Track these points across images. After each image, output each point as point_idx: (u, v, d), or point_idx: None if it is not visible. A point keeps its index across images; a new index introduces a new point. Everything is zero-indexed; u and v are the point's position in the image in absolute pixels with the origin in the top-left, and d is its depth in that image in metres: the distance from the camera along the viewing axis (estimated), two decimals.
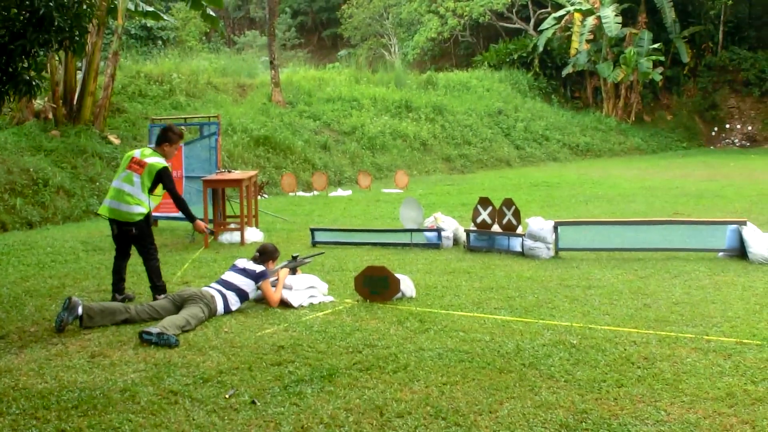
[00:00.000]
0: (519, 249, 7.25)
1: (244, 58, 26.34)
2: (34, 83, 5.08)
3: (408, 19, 32.42)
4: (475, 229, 7.59)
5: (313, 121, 18.51)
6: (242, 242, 8.33)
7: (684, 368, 3.80)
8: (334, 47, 39.80)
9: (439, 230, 7.82)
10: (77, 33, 5.16)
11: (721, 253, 6.99)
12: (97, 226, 9.91)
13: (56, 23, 4.81)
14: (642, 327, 4.59)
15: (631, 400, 3.40)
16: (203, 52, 25.78)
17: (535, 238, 7.12)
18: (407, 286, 5.53)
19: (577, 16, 25.43)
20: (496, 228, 7.46)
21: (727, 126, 27.24)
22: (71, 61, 13.33)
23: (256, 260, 5.51)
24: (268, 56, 19.62)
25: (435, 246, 7.77)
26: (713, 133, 27.27)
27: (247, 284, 5.26)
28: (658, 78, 25.55)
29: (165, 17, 17.49)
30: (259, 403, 3.44)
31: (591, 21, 25.09)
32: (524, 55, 27.78)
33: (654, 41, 25.31)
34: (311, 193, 14.51)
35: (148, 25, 23.96)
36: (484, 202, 7.51)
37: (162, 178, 5.55)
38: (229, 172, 9.18)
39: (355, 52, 34.43)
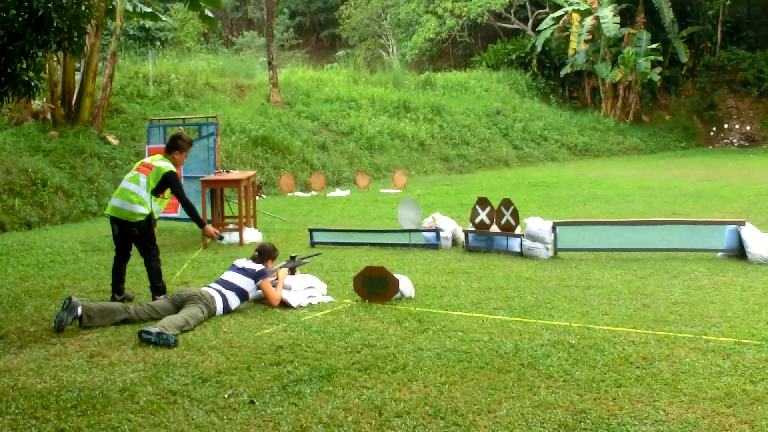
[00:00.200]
0: (518, 249, 7.25)
1: (242, 58, 26.36)
2: (32, 84, 5.08)
3: (406, 19, 32.41)
4: (473, 229, 7.59)
5: (312, 121, 18.51)
6: (241, 242, 8.33)
7: (683, 368, 3.80)
8: (332, 48, 39.84)
9: (437, 230, 7.82)
10: (76, 34, 5.16)
11: (719, 254, 7.00)
12: (96, 227, 9.91)
13: (55, 24, 4.81)
14: (641, 327, 4.60)
15: (630, 400, 3.40)
16: (201, 53, 25.76)
17: (533, 238, 7.12)
18: (406, 286, 5.53)
19: (576, 16, 25.44)
20: (494, 228, 7.46)
21: (726, 126, 27.25)
22: (70, 61, 13.33)
23: (255, 260, 5.53)
24: (267, 57, 19.64)
25: (433, 246, 7.77)
26: (711, 133, 27.29)
27: (246, 283, 5.27)
28: (657, 78, 25.58)
29: (163, 18, 17.45)
30: (257, 403, 3.44)
31: (589, 21, 25.12)
32: (522, 55, 27.80)
33: (652, 41, 25.35)
34: (309, 194, 14.49)
35: (147, 25, 23.93)
36: (483, 202, 7.51)
37: (169, 182, 5.59)
38: (228, 172, 9.17)
39: (353, 52, 34.48)
